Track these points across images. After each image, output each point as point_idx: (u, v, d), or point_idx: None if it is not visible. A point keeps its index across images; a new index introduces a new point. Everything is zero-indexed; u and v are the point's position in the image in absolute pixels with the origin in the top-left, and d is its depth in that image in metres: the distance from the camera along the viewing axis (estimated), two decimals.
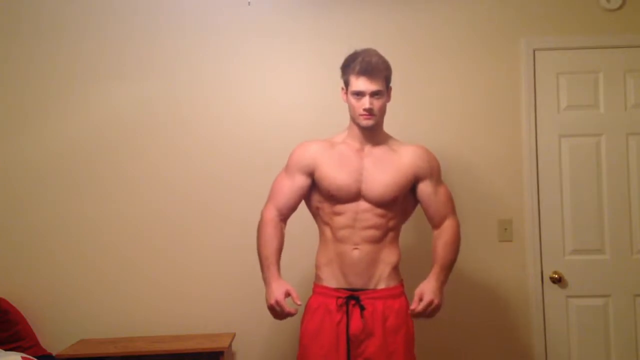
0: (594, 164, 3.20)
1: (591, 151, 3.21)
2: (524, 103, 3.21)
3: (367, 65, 2.36)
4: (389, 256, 2.46)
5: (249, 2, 3.09)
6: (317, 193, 2.49)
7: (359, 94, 2.38)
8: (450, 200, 2.53)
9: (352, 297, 2.40)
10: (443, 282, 2.41)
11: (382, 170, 2.43)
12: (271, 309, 2.35)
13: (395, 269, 2.48)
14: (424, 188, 2.48)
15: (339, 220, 2.43)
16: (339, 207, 2.42)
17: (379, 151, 2.47)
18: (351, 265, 2.42)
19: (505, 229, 3.21)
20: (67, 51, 3.18)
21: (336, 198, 2.42)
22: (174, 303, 3.15)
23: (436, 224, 2.50)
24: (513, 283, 3.21)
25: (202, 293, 3.16)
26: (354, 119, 2.45)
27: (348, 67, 2.41)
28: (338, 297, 2.40)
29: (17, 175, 3.17)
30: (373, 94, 2.38)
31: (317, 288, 2.49)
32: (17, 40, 3.17)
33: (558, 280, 3.17)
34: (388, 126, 3.07)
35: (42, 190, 3.16)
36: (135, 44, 3.19)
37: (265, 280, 2.39)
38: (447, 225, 2.49)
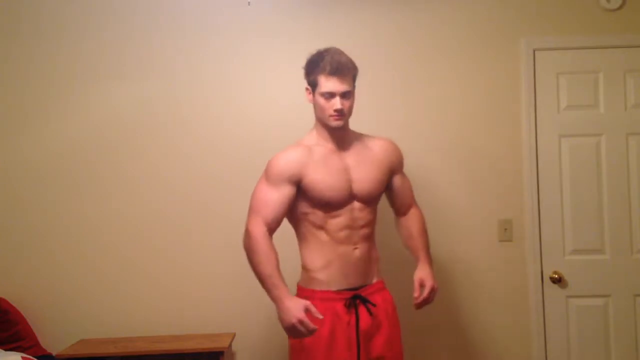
0: (594, 164, 3.20)
1: (591, 151, 3.21)
2: (524, 103, 3.21)
3: (337, 64, 2.34)
4: (375, 252, 2.53)
5: (249, 2, 3.09)
6: (304, 200, 2.40)
7: (330, 95, 2.36)
8: (412, 189, 2.66)
9: (356, 296, 2.40)
10: (432, 266, 2.52)
11: (365, 168, 2.45)
12: (292, 329, 2.22)
13: (379, 264, 2.56)
14: (396, 180, 2.58)
15: (337, 222, 2.40)
16: (335, 211, 2.40)
17: (355, 149, 2.48)
18: (354, 265, 2.42)
19: (505, 229, 3.21)
20: (67, 51, 3.18)
21: (331, 204, 2.39)
22: (174, 303, 3.15)
23: (403, 212, 2.62)
24: (513, 283, 3.21)
25: (202, 293, 3.16)
26: (322, 120, 2.42)
27: (317, 67, 2.38)
28: (345, 299, 2.39)
29: (17, 175, 3.17)
30: (343, 95, 2.36)
31: (317, 294, 2.39)
32: (17, 40, 3.17)
33: (558, 280, 3.17)
34: (388, 126, 3.08)
35: (42, 190, 3.16)
36: (135, 44, 3.19)
37: (276, 299, 2.25)
38: (415, 213, 2.62)
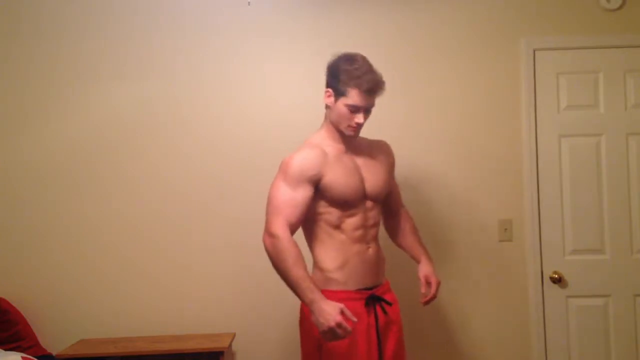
0: (594, 164, 3.20)
1: (591, 151, 3.21)
2: (524, 103, 3.21)
3: (374, 84, 2.35)
4: (382, 252, 2.55)
5: (249, 2, 3.09)
6: (321, 200, 2.40)
7: (356, 109, 2.37)
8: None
9: (373, 296, 2.41)
10: (432, 262, 2.61)
11: (374, 169, 2.50)
12: (330, 331, 2.16)
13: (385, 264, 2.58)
14: (392, 181, 2.66)
15: (353, 222, 2.41)
16: (351, 210, 2.41)
17: (362, 150, 2.51)
18: (368, 264, 2.43)
19: (505, 229, 3.21)
20: (67, 51, 3.18)
21: (349, 203, 2.40)
22: (174, 303, 3.15)
23: (396, 211, 2.71)
24: (513, 283, 3.21)
25: (202, 293, 3.16)
26: (337, 126, 2.42)
27: (352, 79, 2.34)
28: (364, 298, 2.39)
29: (17, 175, 3.16)
30: (366, 110, 2.39)
31: (337, 294, 2.33)
32: (17, 40, 3.17)
33: (558, 280, 3.17)
34: (388, 126, 3.07)
35: (42, 190, 3.16)
36: (135, 44, 3.19)
37: (312, 303, 2.20)
38: (406, 212, 2.73)
